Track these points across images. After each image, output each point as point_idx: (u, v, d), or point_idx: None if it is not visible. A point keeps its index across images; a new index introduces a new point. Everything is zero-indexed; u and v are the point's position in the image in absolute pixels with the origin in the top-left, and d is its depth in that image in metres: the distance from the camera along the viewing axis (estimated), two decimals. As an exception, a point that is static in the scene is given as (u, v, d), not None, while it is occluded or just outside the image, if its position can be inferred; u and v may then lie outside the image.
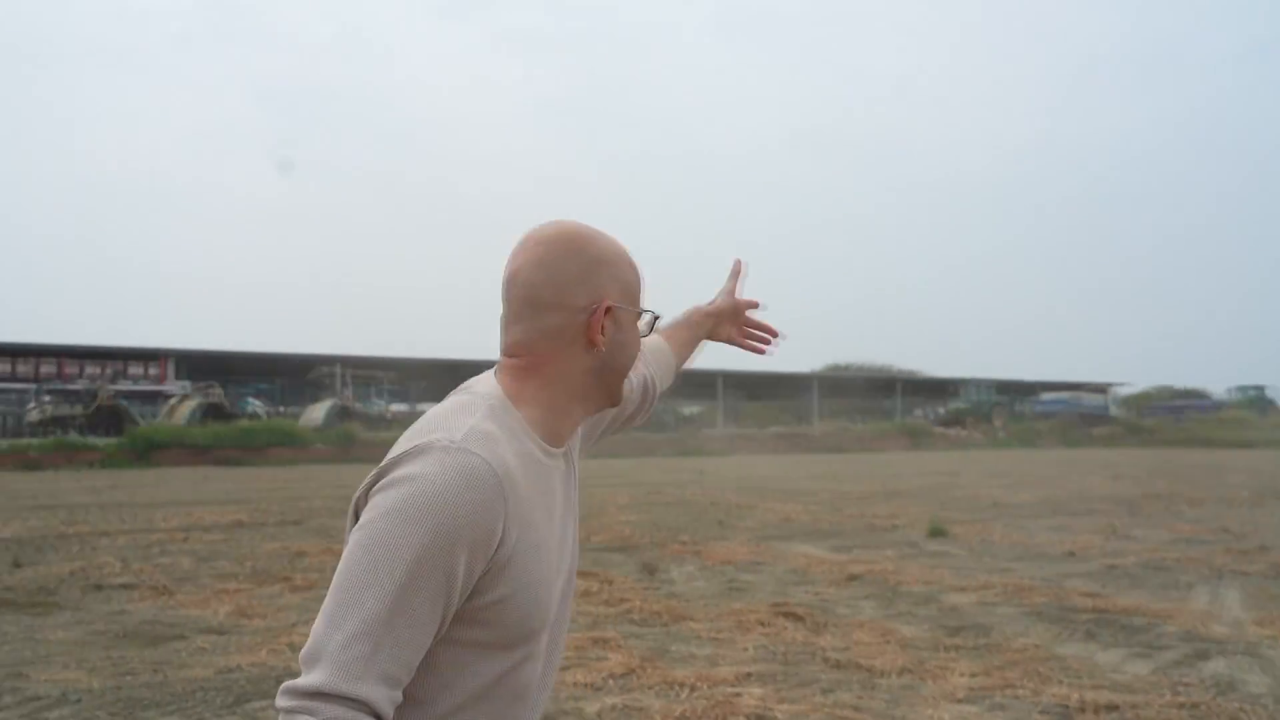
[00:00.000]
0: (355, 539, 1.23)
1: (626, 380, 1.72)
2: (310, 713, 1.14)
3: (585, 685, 5.27)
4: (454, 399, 1.39)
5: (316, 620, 1.21)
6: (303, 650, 1.20)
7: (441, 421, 1.32)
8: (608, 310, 1.38)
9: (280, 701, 1.16)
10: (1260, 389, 64.12)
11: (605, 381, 1.43)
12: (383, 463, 1.28)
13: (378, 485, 1.26)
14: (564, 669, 5.54)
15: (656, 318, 1.48)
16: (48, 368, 40.14)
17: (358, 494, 1.29)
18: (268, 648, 6.09)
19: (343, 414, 36.06)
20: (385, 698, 1.18)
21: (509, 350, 1.40)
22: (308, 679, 1.16)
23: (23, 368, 40.09)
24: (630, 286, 1.43)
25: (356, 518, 1.27)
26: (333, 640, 1.17)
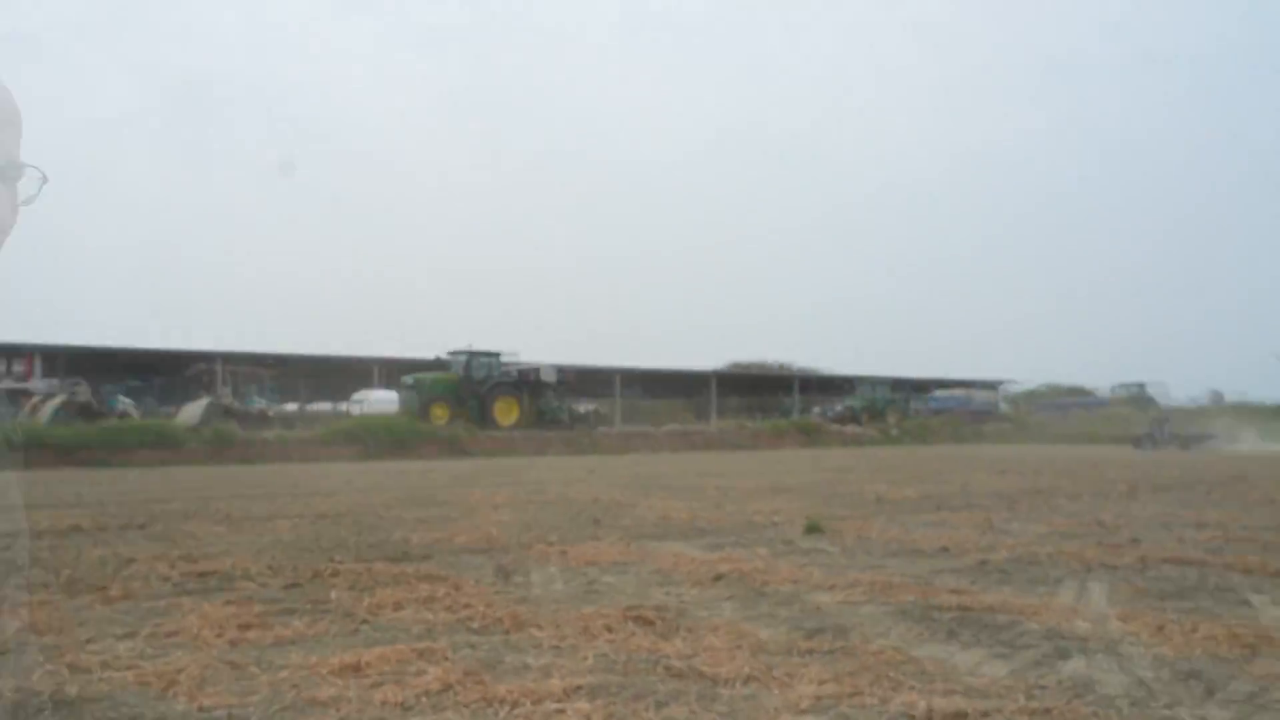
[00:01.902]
0: None
1: None
2: None
3: (393, 705, 4.70)
4: None
5: None
6: None
7: None
8: None
9: None
10: (1140, 385, 66.65)
11: None
12: None
13: None
14: (373, 686, 4.97)
15: None
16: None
17: None
18: (45, 668, 5.37)
19: (221, 413, 34.54)
20: None
21: None
22: None
23: None
24: None
25: None
26: None
